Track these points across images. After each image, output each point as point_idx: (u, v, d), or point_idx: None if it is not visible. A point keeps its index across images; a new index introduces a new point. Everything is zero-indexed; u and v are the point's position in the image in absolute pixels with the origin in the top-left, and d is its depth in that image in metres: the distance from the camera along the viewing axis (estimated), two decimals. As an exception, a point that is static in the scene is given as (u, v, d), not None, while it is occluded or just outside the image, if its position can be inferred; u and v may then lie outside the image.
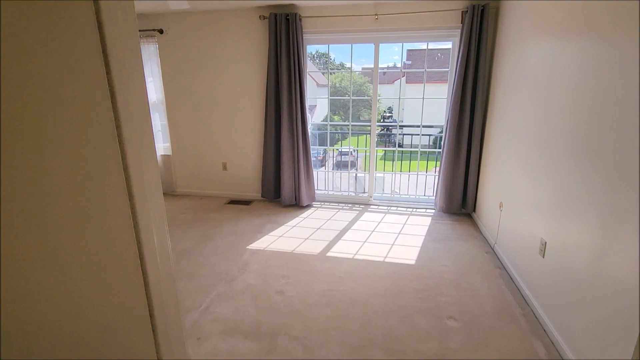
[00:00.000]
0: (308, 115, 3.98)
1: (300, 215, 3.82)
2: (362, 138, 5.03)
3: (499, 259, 2.81)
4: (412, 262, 2.81)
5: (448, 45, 3.69)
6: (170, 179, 4.61)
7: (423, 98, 3.91)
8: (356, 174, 5.54)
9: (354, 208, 4.06)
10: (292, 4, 3.61)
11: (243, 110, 4.13)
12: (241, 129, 4.20)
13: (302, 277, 2.60)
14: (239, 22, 3.85)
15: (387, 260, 2.84)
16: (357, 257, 2.90)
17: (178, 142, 4.45)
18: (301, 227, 3.51)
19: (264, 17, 3.70)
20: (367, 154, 4.22)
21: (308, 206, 4.11)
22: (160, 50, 4.13)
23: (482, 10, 3.17)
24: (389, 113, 24.18)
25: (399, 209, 4.02)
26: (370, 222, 3.63)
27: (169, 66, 4.18)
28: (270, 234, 3.36)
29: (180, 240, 3.23)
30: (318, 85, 20.88)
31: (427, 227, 3.50)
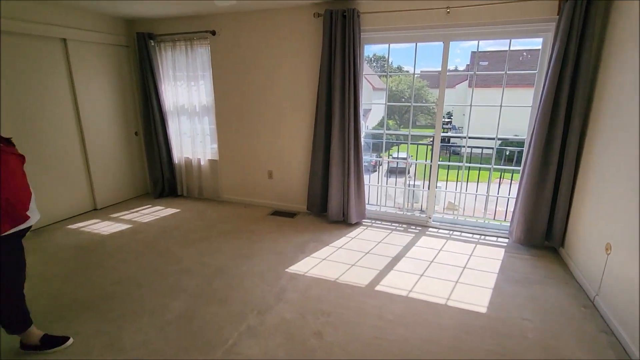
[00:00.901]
0: (362, 122, 3.57)
1: (347, 235, 3.42)
2: (418, 146, 4.49)
3: (603, 318, 2.16)
4: (483, 309, 2.27)
5: (533, 44, 3.05)
6: (216, 184, 4.48)
7: (501, 106, 3.30)
8: (411, 183, 5.00)
9: (409, 230, 3.56)
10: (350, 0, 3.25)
11: (292, 116, 3.84)
12: (289, 136, 3.92)
13: (345, 315, 2.19)
14: (291, 20, 3.57)
15: (451, 303, 2.33)
16: (412, 295, 2.42)
17: (225, 147, 4.30)
18: (348, 250, 3.10)
19: (319, 15, 3.38)
20: (426, 165, 3.69)
21: (357, 224, 3.69)
22: (211, 52, 4.01)
23: (589, -2, 2.52)
24: (448, 118, 22.76)
25: (462, 234, 3.44)
26: (428, 250, 3.11)
27: (219, 68, 4.04)
28: (312, 255, 3.00)
29: (216, 255, 3.00)
30: (374, 89, 20.33)
31: (500, 261, 2.89)
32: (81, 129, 3.87)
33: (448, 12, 3.02)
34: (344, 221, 3.68)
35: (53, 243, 3.25)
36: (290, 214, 3.98)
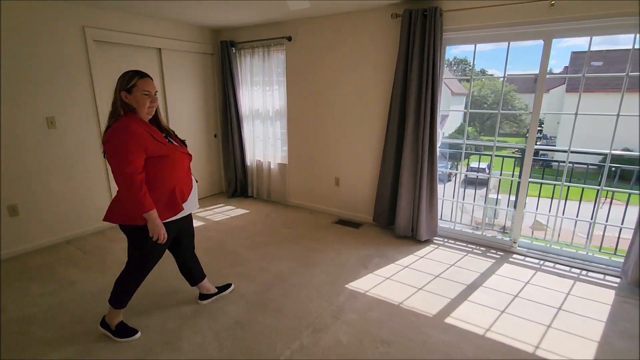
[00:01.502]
0: (439, 131, 3.26)
1: (415, 253, 3.13)
2: (503, 158, 3.95)
3: None
4: (585, 367, 1.83)
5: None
6: (284, 188, 4.53)
7: (618, 115, 2.70)
8: (491, 196, 4.46)
9: (488, 254, 3.13)
10: (433, -3, 2.98)
11: (362, 122, 3.68)
12: (358, 143, 3.77)
13: (407, 348, 1.96)
14: (365, 23, 3.42)
15: (540, 353, 1.93)
16: (490, 334, 2.08)
17: (294, 152, 4.32)
18: (415, 270, 2.83)
19: (397, 15, 3.17)
20: (513, 180, 3.21)
21: (427, 241, 3.37)
22: (286, 58, 4.06)
23: None
24: (539, 127, 20.29)
25: (557, 266, 2.90)
26: (511, 281, 2.68)
27: (293, 73, 4.07)
28: (376, 272, 2.80)
29: (277, 261, 2.98)
30: (453, 94, 19.07)
31: (609, 307, 2.35)
32: (168, 131, 4.22)
33: (552, 5, 2.57)
34: (413, 237, 3.40)
35: (138, 234, 3.57)
36: (355, 224, 3.82)
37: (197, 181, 2.05)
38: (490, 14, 2.82)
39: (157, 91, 1.82)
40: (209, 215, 4.12)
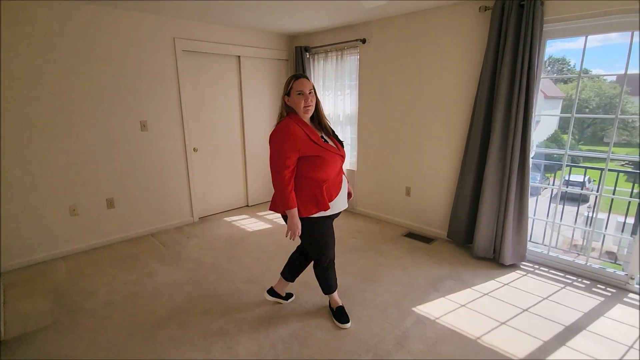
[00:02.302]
0: (533, 140, 2.81)
1: (498, 279, 2.73)
2: (600, 167, 3.24)
3: None
4: None
5: None
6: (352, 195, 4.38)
7: None
8: (590, 214, 3.72)
9: (594, 289, 2.58)
10: (532, -16, 2.57)
11: (439, 128, 3.37)
12: (434, 150, 3.45)
13: (485, 395, 1.66)
14: (448, 20, 3.11)
15: None
16: (597, 395, 1.66)
17: (364, 158, 4.15)
18: (497, 300, 2.45)
19: (486, 8, 2.81)
20: (631, 201, 2.60)
21: (512, 266, 2.92)
22: (360, 61, 3.93)
23: None
24: (663, 135, 16.82)
25: (696, 315, 2.25)
26: (626, 327, 2.15)
27: (366, 77, 3.91)
28: (448, 296, 2.49)
29: (340, 273, 2.82)
30: (546, 97, 16.94)
31: None
32: (244, 134, 4.40)
33: (703, -19, 2.01)
34: (494, 259, 2.98)
35: (212, 232, 3.77)
36: (427, 239, 3.50)
37: (348, 182, 2.13)
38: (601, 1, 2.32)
39: (311, 90, 1.89)
40: (276, 218, 4.17)
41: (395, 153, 3.80)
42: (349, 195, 2.17)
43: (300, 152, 1.82)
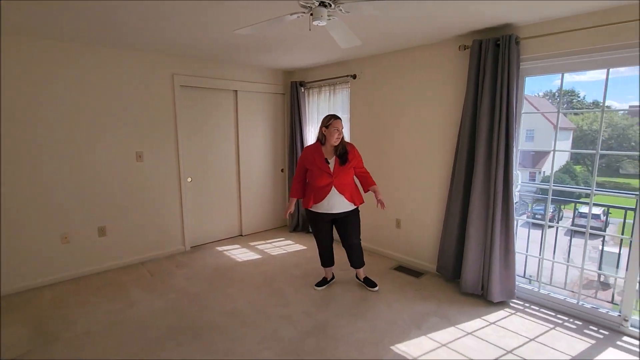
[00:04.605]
0: (516, 173, 2.80)
1: (484, 317, 2.63)
2: (617, 201, 3.17)
3: None
4: None
5: None
6: (344, 226, 4.37)
7: None
8: (599, 248, 3.58)
9: (586, 331, 2.46)
10: (508, 25, 2.67)
11: (427, 161, 3.39)
12: (422, 183, 3.46)
13: None
14: (432, 58, 3.22)
15: None
16: None
17: (355, 189, 4.17)
18: (480, 340, 2.35)
19: (465, 47, 2.92)
20: (623, 239, 2.52)
21: (501, 304, 2.82)
22: (351, 95, 4.05)
23: None
24: (677, 167, 16.35)
25: (694, 362, 2.11)
26: (618, 373, 2.02)
27: (356, 110, 4.02)
28: (430, 335, 2.40)
29: (322, 306, 2.79)
30: (555, 128, 16.87)
31: None
32: (239, 165, 4.50)
33: (668, 22, 2.06)
34: (482, 296, 2.88)
35: (201, 261, 3.77)
36: (416, 273, 3.43)
37: (347, 198, 2.88)
38: (581, 37, 2.39)
39: (343, 127, 2.81)
40: (267, 249, 4.16)
41: (386, 185, 3.81)
42: (382, 204, 2.90)
43: (307, 166, 2.85)
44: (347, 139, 4.18)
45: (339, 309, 2.75)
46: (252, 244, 4.35)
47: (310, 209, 2.89)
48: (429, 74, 3.27)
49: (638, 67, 2.28)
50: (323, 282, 3.16)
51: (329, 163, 2.79)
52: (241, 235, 4.66)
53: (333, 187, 2.80)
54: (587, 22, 2.34)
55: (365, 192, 2.99)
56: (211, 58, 3.87)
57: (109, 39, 3.01)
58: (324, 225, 2.96)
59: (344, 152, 2.80)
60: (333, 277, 3.25)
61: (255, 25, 2.02)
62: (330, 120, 2.75)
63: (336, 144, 2.77)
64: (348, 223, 2.94)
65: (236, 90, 4.32)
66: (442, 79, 3.18)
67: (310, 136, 4.61)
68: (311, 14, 1.87)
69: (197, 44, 3.21)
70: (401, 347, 2.26)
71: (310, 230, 4.75)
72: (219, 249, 4.17)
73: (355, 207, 2.97)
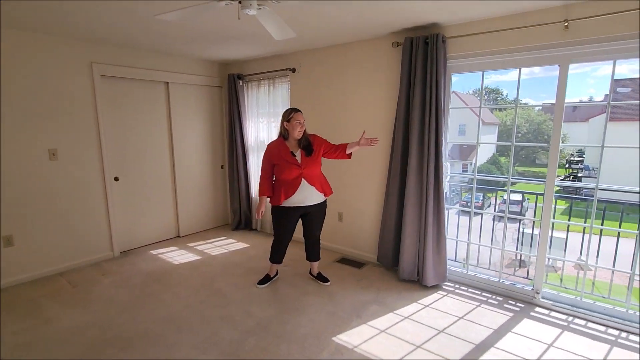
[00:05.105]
0: (446, 164, 2.99)
1: (419, 301, 2.78)
2: (535, 189, 3.54)
3: None
4: None
5: None
6: (288, 221, 4.33)
7: (653, 148, 2.33)
8: (521, 232, 3.99)
9: (505, 305, 2.72)
10: (435, 24, 2.81)
11: (366, 154, 3.48)
12: (363, 176, 3.54)
13: None
14: (368, 53, 3.30)
15: None
16: (497, 414, 1.69)
17: (298, 184, 4.14)
18: (416, 323, 2.48)
19: (398, 44, 3.02)
20: (535, 221, 2.83)
21: (434, 287, 3.01)
22: (291, 89, 4.00)
23: None
24: (579, 157, 18.98)
25: (588, 324, 2.44)
26: (530, 342, 2.26)
27: (297, 104, 3.97)
28: (369, 322, 2.48)
29: (264, 304, 2.74)
30: (484, 123, 18.49)
31: (656, 385, 1.88)
32: (173, 161, 4.22)
33: (566, 27, 2.32)
34: (418, 281, 3.05)
35: (132, 267, 3.48)
36: (358, 264, 3.52)
37: (317, 189, 2.87)
38: (499, 38, 2.60)
39: (304, 119, 2.77)
40: (207, 249, 3.97)
41: (328, 179, 3.83)
42: (372, 140, 2.74)
43: (273, 162, 2.79)
44: (287, 133, 4.16)
45: (281, 306, 2.71)
46: (190, 245, 4.12)
47: (281, 205, 2.81)
48: (367, 69, 3.34)
49: (558, 68, 2.54)
50: (266, 279, 3.09)
51: (295, 156, 2.76)
52: (179, 237, 4.39)
53: (303, 179, 2.76)
54: (503, 24, 2.56)
55: (348, 153, 2.87)
56: (137, 46, 3.56)
57: (15, 20, 2.61)
58: (290, 222, 2.90)
59: (307, 144, 2.78)
60: (277, 274, 3.20)
61: (179, 10, 1.87)
62: (291, 114, 2.72)
63: (299, 137, 2.75)
64: (316, 216, 2.95)
65: (167, 82, 4.04)
66: (379, 74, 3.27)
67: (251, 131, 4.48)
68: (240, 2, 1.78)
69: (116, 30, 2.92)
70: (342, 338, 2.30)
71: (255, 228, 4.68)
72: (154, 252, 3.89)
73: (325, 198, 2.97)
